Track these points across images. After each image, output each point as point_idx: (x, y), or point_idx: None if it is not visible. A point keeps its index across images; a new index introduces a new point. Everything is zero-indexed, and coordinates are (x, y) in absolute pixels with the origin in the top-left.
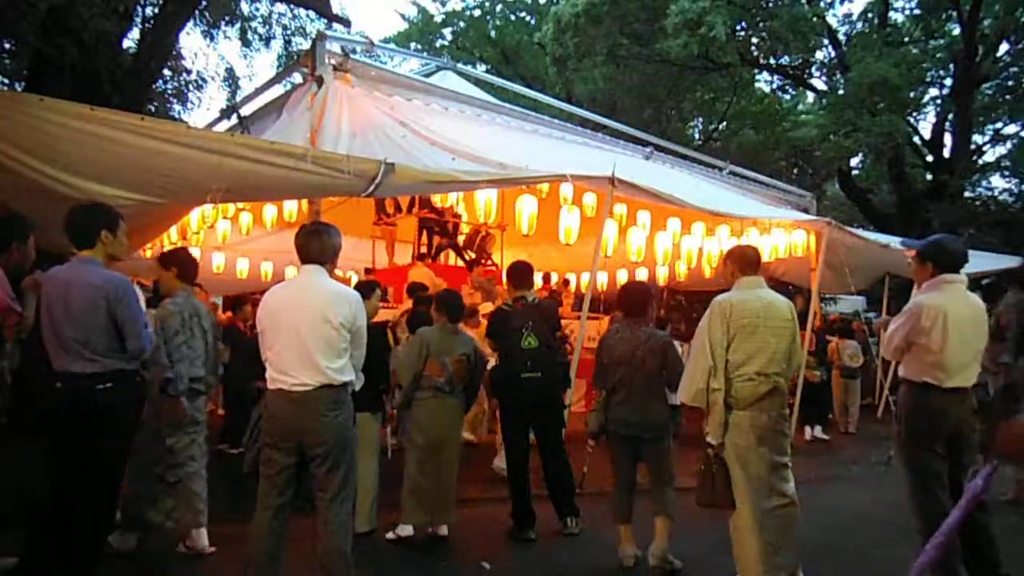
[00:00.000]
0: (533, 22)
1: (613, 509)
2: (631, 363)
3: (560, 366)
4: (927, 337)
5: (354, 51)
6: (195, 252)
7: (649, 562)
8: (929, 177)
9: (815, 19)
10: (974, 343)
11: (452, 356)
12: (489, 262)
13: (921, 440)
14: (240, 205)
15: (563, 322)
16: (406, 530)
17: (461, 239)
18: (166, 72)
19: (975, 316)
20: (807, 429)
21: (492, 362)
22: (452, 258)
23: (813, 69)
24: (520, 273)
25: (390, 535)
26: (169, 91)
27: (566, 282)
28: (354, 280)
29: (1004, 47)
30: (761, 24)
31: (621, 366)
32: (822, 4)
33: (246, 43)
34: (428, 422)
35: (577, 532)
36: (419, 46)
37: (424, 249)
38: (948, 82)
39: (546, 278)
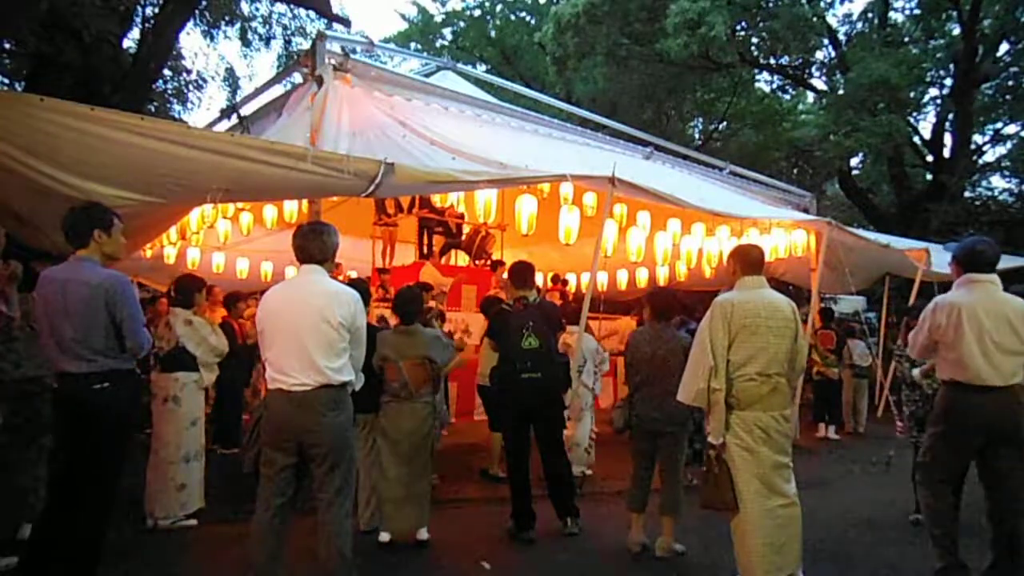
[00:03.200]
0: (533, 22)
1: (628, 498)
2: (654, 362)
3: (560, 366)
4: (943, 333)
5: (354, 51)
6: (195, 252)
7: (656, 553)
8: (929, 177)
9: (815, 19)
10: (1004, 342)
11: (406, 360)
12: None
13: (949, 439)
14: (240, 205)
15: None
16: (384, 536)
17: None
18: (166, 72)
19: (1003, 315)
20: (821, 427)
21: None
22: (454, 258)
23: (813, 69)
24: (522, 273)
25: (378, 538)
26: (169, 91)
27: (564, 282)
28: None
29: (1004, 47)
30: (761, 24)
31: (645, 365)
32: (822, 4)
33: (246, 43)
34: (389, 428)
35: (576, 532)
36: (419, 46)
37: (425, 249)
38: (948, 82)
39: (555, 279)
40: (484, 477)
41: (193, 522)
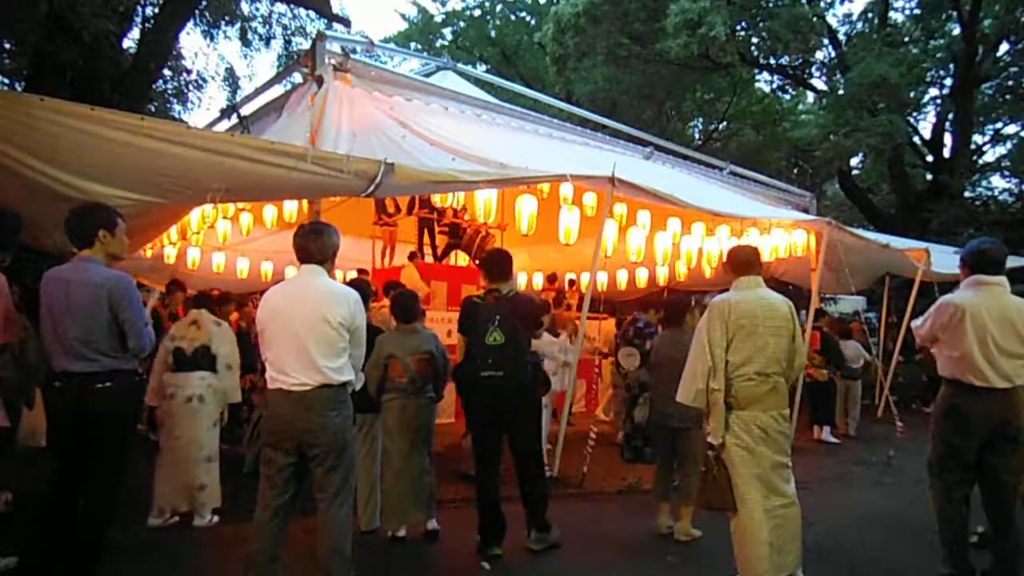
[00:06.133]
0: (533, 22)
1: (654, 490)
2: (673, 364)
3: (529, 366)
4: (944, 333)
5: (354, 51)
6: (195, 252)
7: (676, 537)
8: (929, 177)
9: (815, 19)
10: (1006, 344)
11: (413, 355)
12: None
13: (949, 439)
14: (240, 205)
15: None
16: (401, 531)
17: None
18: (166, 72)
19: (1008, 318)
20: (816, 428)
21: None
22: (455, 258)
23: (813, 69)
24: (495, 263)
25: (389, 534)
26: (169, 91)
27: (571, 283)
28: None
29: (1004, 47)
30: (761, 24)
31: (664, 366)
32: (822, 4)
33: (246, 43)
34: (394, 423)
35: (539, 548)
36: (419, 46)
37: (428, 249)
38: (948, 82)
39: (551, 278)
40: (461, 479)
41: (216, 519)
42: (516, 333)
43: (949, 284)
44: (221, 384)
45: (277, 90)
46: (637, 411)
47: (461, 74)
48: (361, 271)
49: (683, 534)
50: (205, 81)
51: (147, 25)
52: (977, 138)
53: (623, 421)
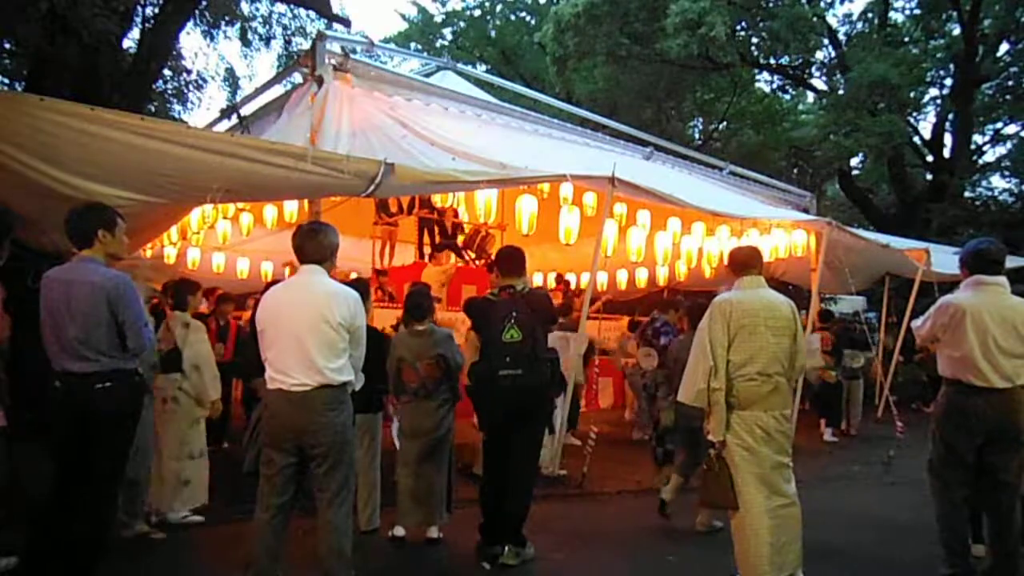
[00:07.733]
0: (533, 22)
1: (669, 488)
2: None
3: (547, 364)
4: (944, 333)
5: (354, 51)
6: (195, 252)
7: (697, 529)
8: (929, 177)
9: (815, 19)
10: (1007, 344)
11: (422, 360)
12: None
13: (949, 439)
14: (240, 205)
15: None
16: (399, 531)
17: (460, 239)
18: (166, 72)
19: (1009, 318)
20: (821, 427)
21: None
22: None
23: (813, 69)
24: (509, 259)
25: (389, 534)
26: (169, 91)
27: (566, 283)
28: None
29: (1004, 47)
30: (761, 24)
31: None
32: (822, 4)
33: (246, 43)
34: (407, 426)
35: (513, 563)
36: (419, 46)
37: (427, 248)
38: (948, 82)
39: (559, 279)
40: (467, 477)
41: (200, 519)
42: (534, 330)
43: (949, 284)
44: (191, 385)
45: (277, 90)
46: (664, 415)
47: (461, 74)
48: (379, 271)
49: (703, 524)
50: (205, 81)
51: (147, 25)
52: (977, 138)
53: (653, 423)
